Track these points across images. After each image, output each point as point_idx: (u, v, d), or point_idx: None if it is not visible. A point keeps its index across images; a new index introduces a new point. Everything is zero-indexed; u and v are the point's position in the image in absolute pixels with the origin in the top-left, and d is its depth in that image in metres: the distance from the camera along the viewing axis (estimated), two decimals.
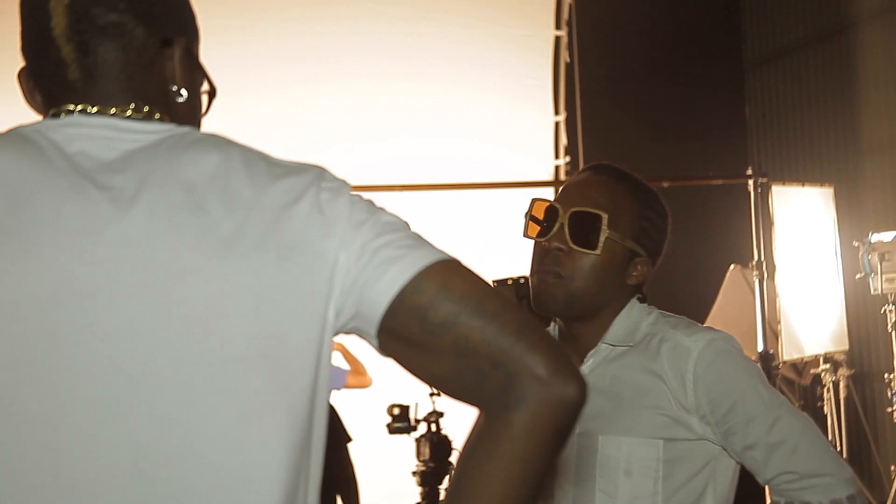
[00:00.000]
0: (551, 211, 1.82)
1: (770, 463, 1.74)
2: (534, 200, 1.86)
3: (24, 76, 1.18)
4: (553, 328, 1.93)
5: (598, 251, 1.79)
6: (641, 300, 1.88)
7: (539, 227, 1.84)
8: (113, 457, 1.01)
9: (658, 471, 1.76)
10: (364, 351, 4.94)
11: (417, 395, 4.56)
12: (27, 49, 1.15)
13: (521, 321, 1.06)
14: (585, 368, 1.84)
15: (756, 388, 1.76)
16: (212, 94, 1.24)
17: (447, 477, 4.53)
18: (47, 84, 1.15)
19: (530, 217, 1.86)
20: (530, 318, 1.08)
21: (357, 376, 5.26)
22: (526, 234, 1.86)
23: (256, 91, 5.81)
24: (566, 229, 1.79)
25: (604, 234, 1.78)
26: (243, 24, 5.79)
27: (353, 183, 1.16)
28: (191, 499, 1.01)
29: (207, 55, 1.24)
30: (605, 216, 1.79)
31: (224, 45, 5.32)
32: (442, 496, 4.52)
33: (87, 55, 1.12)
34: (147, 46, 1.14)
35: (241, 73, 5.54)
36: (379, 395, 4.93)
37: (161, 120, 1.15)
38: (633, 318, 1.84)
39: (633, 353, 1.81)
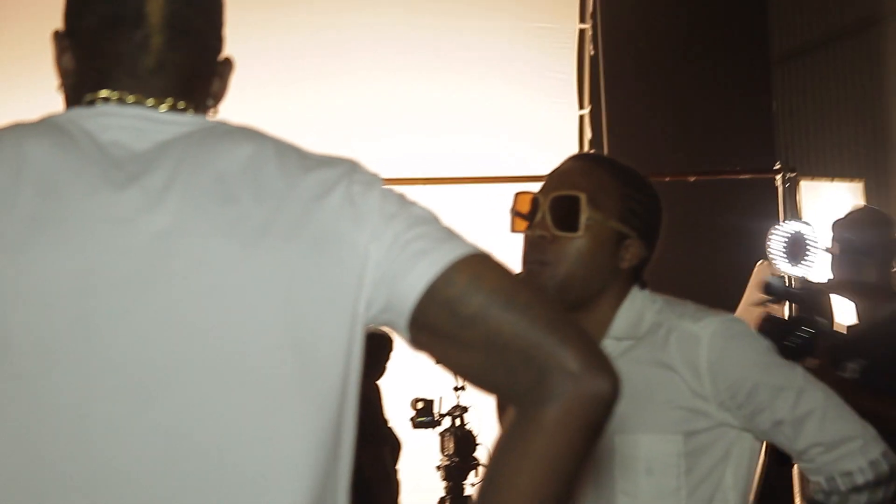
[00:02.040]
0: (534, 202, 1.80)
1: (801, 436, 1.72)
2: (516, 195, 1.84)
3: (68, 41, 1.17)
4: None
5: (579, 233, 1.75)
6: (642, 286, 1.85)
7: (525, 221, 1.82)
8: (141, 447, 1.01)
9: (680, 466, 1.73)
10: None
11: (442, 390, 4.56)
12: (95, 20, 1.14)
13: (553, 315, 1.05)
14: None
15: (774, 363, 1.74)
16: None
17: (472, 472, 4.52)
18: (107, 61, 1.14)
19: (515, 212, 1.83)
20: (562, 311, 1.08)
21: None
22: (512, 230, 1.83)
23: (278, 86, 5.83)
24: (547, 216, 1.77)
25: (584, 215, 1.75)
26: (260, 17, 5.79)
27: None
28: (219, 490, 1.01)
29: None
30: (582, 196, 1.75)
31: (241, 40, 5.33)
32: (467, 491, 4.51)
33: (172, 50, 1.13)
34: (214, 57, 1.18)
35: (261, 68, 5.55)
36: (403, 389, 4.93)
37: (192, 113, 1.15)
38: (637, 308, 1.81)
39: (640, 346, 1.78)
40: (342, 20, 6.25)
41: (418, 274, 1.06)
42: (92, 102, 1.13)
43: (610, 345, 1.79)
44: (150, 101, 1.13)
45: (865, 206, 4.69)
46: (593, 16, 7.07)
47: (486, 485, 1.06)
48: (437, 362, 1.12)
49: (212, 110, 1.20)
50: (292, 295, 1.04)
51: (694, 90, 8.10)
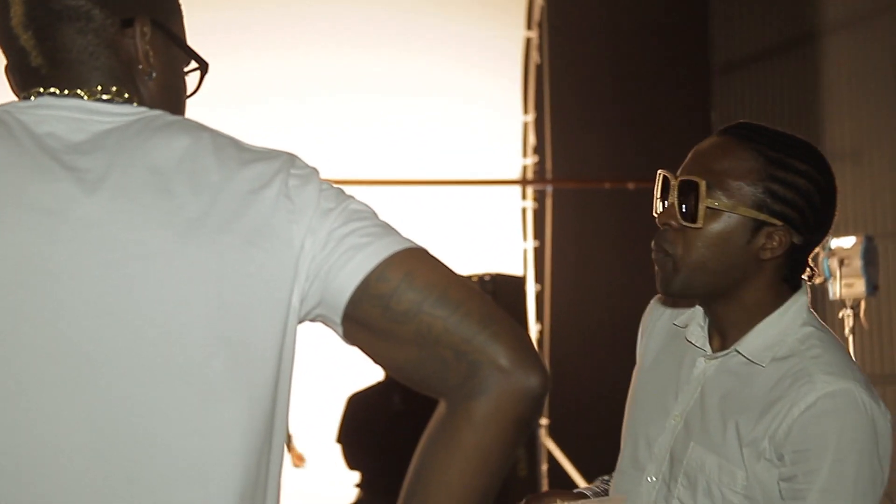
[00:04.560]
0: (665, 184, 1.64)
1: None
2: (658, 174, 1.66)
3: (6, 71, 1.19)
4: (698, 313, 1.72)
5: (698, 223, 1.58)
6: (801, 280, 1.65)
7: (660, 203, 1.65)
8: (71, 437, 1.01)
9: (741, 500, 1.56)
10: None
11: None
12: (1, 44, 1.16)
13: (485, 311, 1.07)
14: (710, 368, 1.65)
15: (853, 462, 1.50)
16: (202, 71, 1.23)
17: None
18: (18, 74, 1.16)
19: (658, 195, 1.66)
20: (495, 307, 1.09)
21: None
22: (654, 213, 1.66)
23: (227, 59, 5.78)
24: (675, 203, 1.60)
25: (703, 203, 1.57)
26: None
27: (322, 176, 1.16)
28: (149, 481, 1.02)
29: None
30: (702, 183, 1.57)
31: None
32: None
33: (45, 41, 1.12)
34: (105, 27, 1.13)
35: (207, 43, 5.50)
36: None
37: (131, 101, 1.14)
38: (782, 327, 1.60)
39: (762, 374, 1.59)
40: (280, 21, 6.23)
41: (352, 269, 1.07)
42: (29, 96, 1.13)
43: (735, 359, 1.63)
44: (81, 91, 1.12)
45: None
46: (540, 24, 7.14)
47: (414, 477, 1.07)
48: (370, 357, 1.12)
49: (153, 80, 1.17)
50: (226, 288, 1.04)
51: (636, 99, 8.19)
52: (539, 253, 7.03)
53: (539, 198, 7.21)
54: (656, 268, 1.64)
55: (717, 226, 1.59)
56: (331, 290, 1.08)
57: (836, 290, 5.82)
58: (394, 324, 1.07)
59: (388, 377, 4.63)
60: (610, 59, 8.27)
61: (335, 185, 1.14)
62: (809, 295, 1.67)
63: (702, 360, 1.67)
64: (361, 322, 1.08)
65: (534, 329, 6.81)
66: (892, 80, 7.52)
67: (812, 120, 8.15)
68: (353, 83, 6.47)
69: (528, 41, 7.10)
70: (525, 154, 7.15)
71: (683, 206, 1.60)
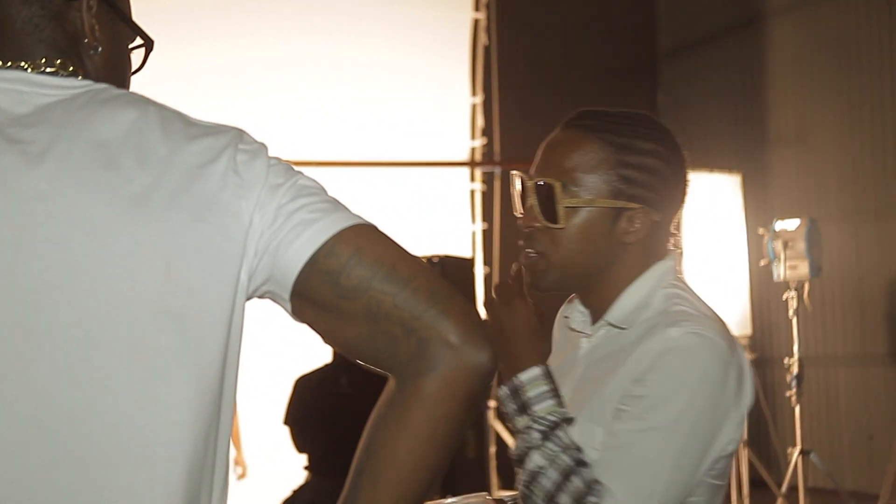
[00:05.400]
0: (523, 186, 1.68)
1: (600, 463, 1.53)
2: (512, 176, 1.70)
3: None
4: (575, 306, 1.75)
5: (560, 224, 1.62)
6: (674, 246, 1.70)
7: (521, 204, 1.69)
8: (13, 411, 0.99)
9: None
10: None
11: None
12: None
13: (434, 287, 1.07)
14: (590, 346, 1.68)
15: (686, 400, 1.53)
16: (147, 48, 1.21)
17: None
18: None
19: (518, 196, 1.69)
20: (444, 284, 1.09)
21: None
22: (518, 221, 1.69)
23: (179, 45, 5.72)
24: (535, 205, 1.64)
25: (561, 205, 1.61)
26: None
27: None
28: (94, 456, 1.00)
29: None
30: (556, 184, 1.61)
31: None
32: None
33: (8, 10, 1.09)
34: (59, 2, 1.11)
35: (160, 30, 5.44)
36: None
37: (76, 74, 1.12)
38: (646, 291, 1.64)
39: (627, 336, 1.63)
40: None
41: (301, 245, 1.06)
42: None
43: (603, 330, 1.66)
44: (24, 64, 1.10)
45: None
46: (487, 6, 7.14)
47: (363, 454, 1.07)
48: (319, 334, 1.12)
49: (98, 54, 1.14)
50: (173, 263, 1.03)
51: (583, 81, 8.24)
52: (487, 235, 7.05)
53: (487, 180, 7.22)
54: (525, 268, 1.67)
55: (578, 221, 1.63)
56: (279, 266, 1.07)
57: (780, 272, 5.91)
58: (343, 300, 1.06)
59: (335, 359, 4.62)
60: (557, 40, 8.31)
61: (284, 161, 1.13)
62: (677, 262, 1.71)
63: (584, 341, 1.71)
64: (310, 298, 1.08)
65: (481, 311, 6.83)
66: (837, 64, 7.64)
67: (757, 103, 8.26)
68: (301, 66, 6.44)
69: (476, 22, 7.09)
70: (473, 136, 7.16)
71: (543, 207, 1.63)
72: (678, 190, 1.69)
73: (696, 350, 1.55)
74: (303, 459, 4.68)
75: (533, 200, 1.65)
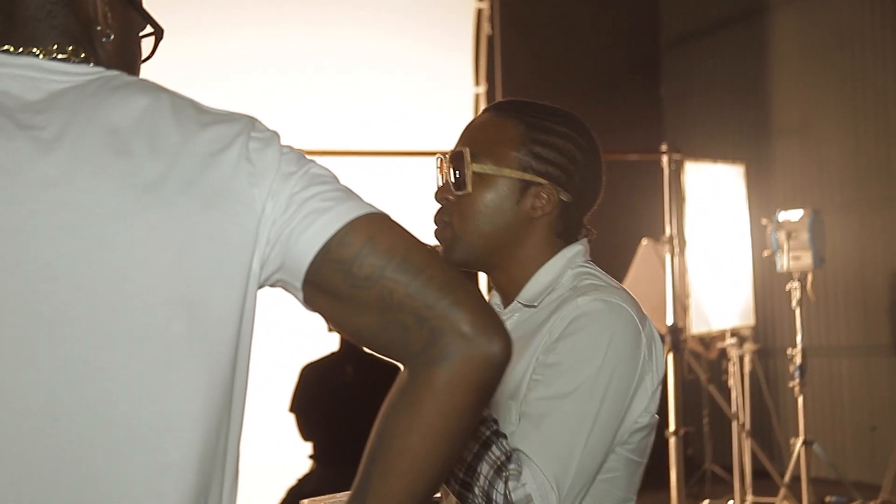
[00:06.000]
0: (440, 164, 1.74)
1: (518, 433, 1.54)
2: (436, 156, 1.76)
3: None
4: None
5: (468, 189, 1.67)
6: (587, 236, 1.74)
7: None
8: (25, 400, 0.99)
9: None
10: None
11: None
12: None
13: (447, 276, 1.06)
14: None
15: (594, 359, 1.56)
16: (157, 36, 1.21)
17: None
18: None
19: (438, 174, 1.76)
20: (457, 273, 1.08)
21: None
22: (435, 197, 1.75)
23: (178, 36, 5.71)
24: (448, 177, 1.70)
25: (469, 170, 1.67)
26: None
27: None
28: (105, 445, 1.00)
29: None
30: (466, 150, 1.67)
31: None
32: None
33: None
34: None
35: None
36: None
37: (87, 61, 1.12)
38: (556, 271, 1.68)
39: (538, 313, 1.66)
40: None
41: (313, 233, 1.06)
42: None
43: (516, 310, 1.69)
44: (36, 50, 1.09)
45: None
46: None
47: (376, 443, 1.07)
48: (331, 323, 1.12)
49: (110, 42, 1.14)
50: (185, 251, 1.03)
51: (586, 72, 8.22)
52: None
53: None
54: (437, 241, 1.72)
55: (486, 191, 1.68)
56: (291, 255, 1.07)
57: (783, 262, 5.90)
58: (355, 289, 1.06)
59: (341, 348, 4.62)
60: (560, 31, 8.29)
61: (296, 149, 1.12)
62: (587, 248, 1.75)
63: None
64: (322, 287, 1.07)
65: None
66: (840, 55, 7.62)
67: (760, 94, 8.24)
68: (302, 56, 6.43)
69: (480, 12, 7.07)
70: None
71: (454, 175, 1.69)
72: (591, 178, 1.73)
73: (605, 314, 1.58)
74: (308, 448, 4.68)
75: (447, 173, 1.70)
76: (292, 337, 5.24)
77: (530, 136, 1.68)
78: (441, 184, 1.73)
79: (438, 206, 1.74)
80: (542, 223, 1.69)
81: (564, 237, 1.72)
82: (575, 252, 1.71)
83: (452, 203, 1.70)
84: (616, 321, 1.58)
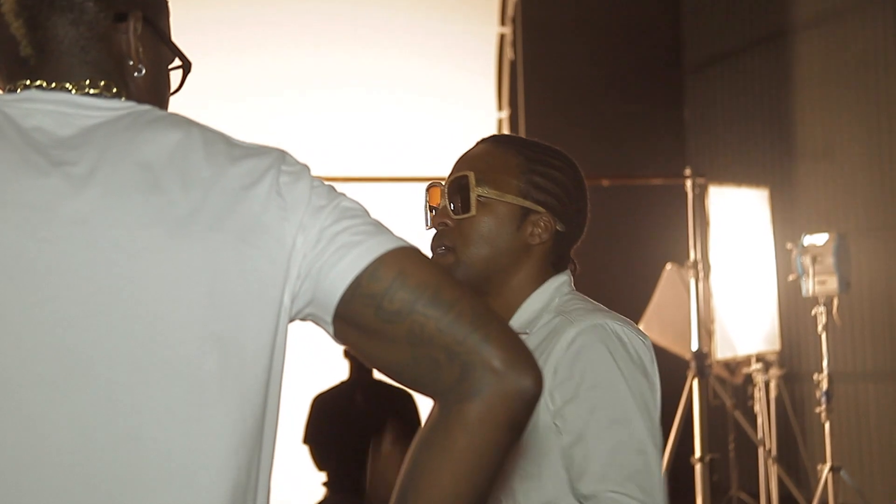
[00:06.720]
0: (436, 191, 1.78)
1: (590, 462, 1.58)
2: (427, 188, 1.80)
3: None
4: None
5: (472, 212, 1.71)
6: (568, 268, 1.79)
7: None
8: (58, 438, 0.99)
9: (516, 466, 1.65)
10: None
11: None
12: None
13: (477, 311, 1.06)
14: None
15: (612, 389, 1.61)
16: (185, 69, 1.22)
17: None
18: (5, 64, 1.13)
19: (428, 207, 1.80)
20: (488, 308, 1.08)
21: None
22: (427, 227, 1.79)
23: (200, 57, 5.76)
24: (446, 202, 1.74)
25: (473, 193, 1.71)
26: None
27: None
28: (138, 482, 1.00)
29: None
30: (470, 175, 1.72)
31: None
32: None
33: (36, 30, 1.10)
34: (99, 20, 1.11)
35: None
36: None
37: (119, 95, 1.12)
38: (546, 298, 1.73)
39: (530, 339, 1.68)
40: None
41: (344, 268, 1.06)
42: (13, 90, 1.11)
43: None
44: (69, 85, 1.10)
45: None
46: (513, 20, 7.14)
47: (407, 480, 1.06)
48: (361, 357, 1.12)
49: (142, 76, 1.15)
50: (217, 286, 1.03)
51: (610, 97, 8.21)
52: None
53: None
54: None
55: (488, 215, 1.73)
56: (322, 289, 1.07)
57: (808, 287, 5.86)
58: (386, 324, 1.05)
59: (351, 376, 4.63)
60: (583, 55, 8.29)
61: (326, 182, 1.13)
62: (572, 278, 1.81)
63: None
64: (353, 321, 1.07)
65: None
66: (863, 78, 7.58)
67: (784, 118, 8.21)
68: (328, 81, 6.46)
69: (503, 37, 7.10)
70: None
71: (456, 201, 1.74)
72: (581, 211, 1.80)
73: (608, 342, 1.63)
74: (321, 476, 4.69)
75: (445, 200, 1.74)
76: (304, 367, 5.25)
77: (529, 166, 1.75)
78: (436, 212, 1.77)
79: (433, 232, 1.78)
80: (538, 251, 1.75)
81: (556, 266, 1.78)
82: (562, 281, 1.77)
83: (452, 228, 1.74)
84: (613, 343, 1.64)
